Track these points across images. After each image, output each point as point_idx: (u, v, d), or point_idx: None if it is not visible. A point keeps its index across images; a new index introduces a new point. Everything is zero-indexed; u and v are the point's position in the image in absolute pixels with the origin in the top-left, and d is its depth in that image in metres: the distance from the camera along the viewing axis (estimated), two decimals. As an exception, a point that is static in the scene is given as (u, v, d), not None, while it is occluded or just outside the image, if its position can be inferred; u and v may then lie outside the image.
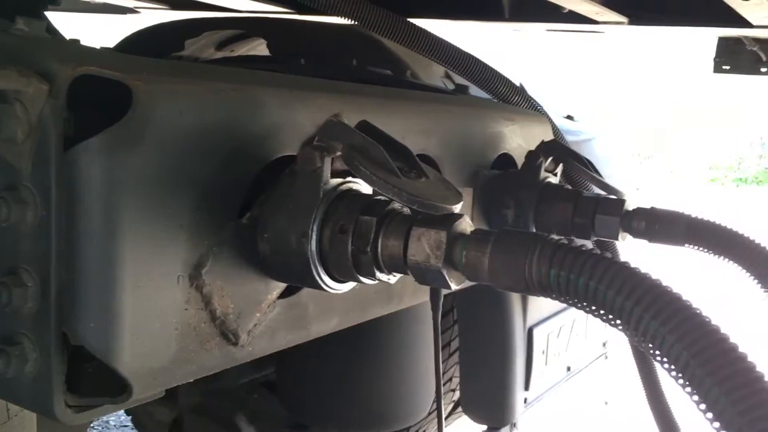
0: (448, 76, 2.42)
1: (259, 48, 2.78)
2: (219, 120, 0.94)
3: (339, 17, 1.55)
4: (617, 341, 2.51)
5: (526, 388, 2.08)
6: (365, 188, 1.02)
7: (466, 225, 0.93)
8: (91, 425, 3.83)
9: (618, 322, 0.75)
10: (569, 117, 2.66)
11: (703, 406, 0.68)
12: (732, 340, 0.70)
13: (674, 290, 0.75)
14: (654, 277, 0.77)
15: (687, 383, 0.69)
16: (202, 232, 0.93)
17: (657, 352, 0.71)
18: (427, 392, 2.23)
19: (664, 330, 0.70)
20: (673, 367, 0.70)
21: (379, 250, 0.94)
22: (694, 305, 0.73)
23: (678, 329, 0.69)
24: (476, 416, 2.16)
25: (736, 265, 1.35)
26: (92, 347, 0.84)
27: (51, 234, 0.83)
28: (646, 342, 0.72)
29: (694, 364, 0.67)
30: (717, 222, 1.41)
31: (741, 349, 0.69)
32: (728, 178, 16.22)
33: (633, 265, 0.80)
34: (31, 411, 0.93)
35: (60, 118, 0.81)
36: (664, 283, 0.76)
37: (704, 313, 0.72)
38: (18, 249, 0.85)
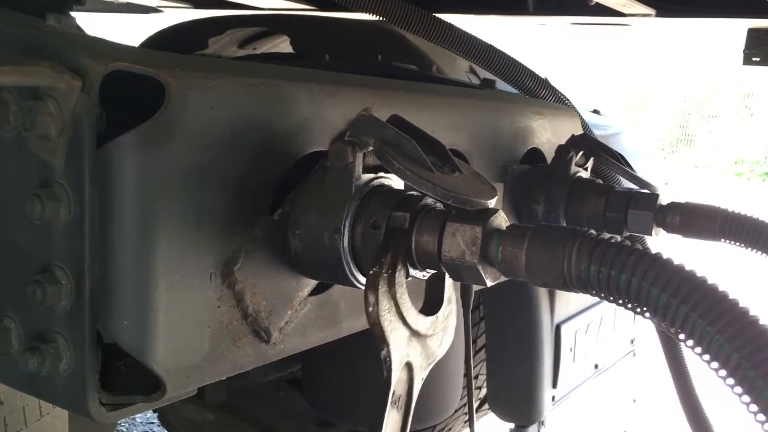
0: (472, 71, 2.40)
1: (282, 45, 2.77)
2: (249, 115, 0.93)
3: (364, 13, 1.54)
4: (645, 338, 2.47)
5: (554, 385, 2.05)
6: (397, 183, 1.00)
7: (502, 220, 0.91)
8: (118, 421, 3.86)
9: (662, 320, 0.73)
10: (596, 111, 2.62)
11: (754, 408, 0.66)
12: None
13: (720, 287, 0.73)
14: (699, 273, 0.75)
15: (738, 385, 0.67)
16: (234, 228, 0.92)
17: (705, 353, 0.69)
18: (454, 390, 2.22)
19: (713, 330, 0.68)
20: (722, 368, 0.68)
21: (413, 246, 0.93)
22: (742, 303, 0.71)
23: (727, 329, 0.67)
24: (503, 414, 2.13)
25: (773, 260, 1.32)
26: (126, 345, 0.84)
27: (84, 231, 0.82)
28: (694, 342, 0.70)
29: (746, 365, 0.65)
30: (754, 216, 1.37)
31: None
32: (755, 173, 15.97)
33: (676, 260, 0.77)
34: (66, 409, 0.93)
35: (93, 114, 0.81)
36: (710, 280, 0.74)
37: (754, 312, 0.69)
38: (51, 246, 0.85)
